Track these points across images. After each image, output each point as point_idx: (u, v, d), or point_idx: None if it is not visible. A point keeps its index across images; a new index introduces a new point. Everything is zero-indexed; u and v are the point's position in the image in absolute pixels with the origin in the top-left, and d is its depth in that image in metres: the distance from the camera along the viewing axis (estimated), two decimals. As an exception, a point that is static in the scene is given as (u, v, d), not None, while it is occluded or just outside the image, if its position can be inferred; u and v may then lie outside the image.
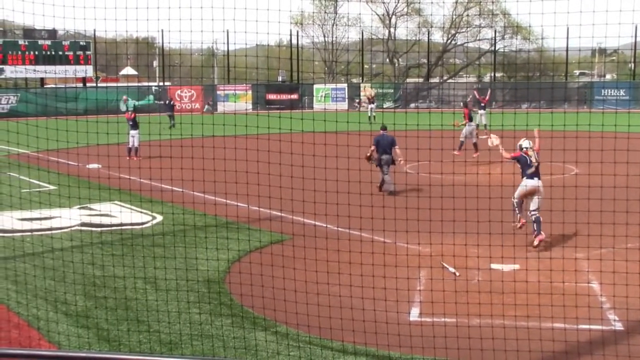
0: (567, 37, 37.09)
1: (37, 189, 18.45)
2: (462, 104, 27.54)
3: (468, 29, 71.16)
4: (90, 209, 16.13)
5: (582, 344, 8.38)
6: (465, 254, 10.81)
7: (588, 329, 8.72)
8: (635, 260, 10.42)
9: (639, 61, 55.84)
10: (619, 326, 9.10)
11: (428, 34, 65.27)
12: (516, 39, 70.32)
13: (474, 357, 7.85)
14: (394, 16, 73.19)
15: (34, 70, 47.94)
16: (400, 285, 9.56)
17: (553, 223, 12.96)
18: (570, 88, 53.68)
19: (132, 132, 24.89)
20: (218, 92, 52.91)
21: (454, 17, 70.39)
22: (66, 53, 49.64)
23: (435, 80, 66.79)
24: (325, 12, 70.52)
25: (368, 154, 17.76)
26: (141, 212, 15.74)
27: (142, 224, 14.79)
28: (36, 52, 48.43)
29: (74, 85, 50.67)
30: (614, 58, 78.81)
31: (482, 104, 35.39)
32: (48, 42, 48.90)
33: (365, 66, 67.06)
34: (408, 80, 68.75)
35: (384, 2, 70.29)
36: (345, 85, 58.71)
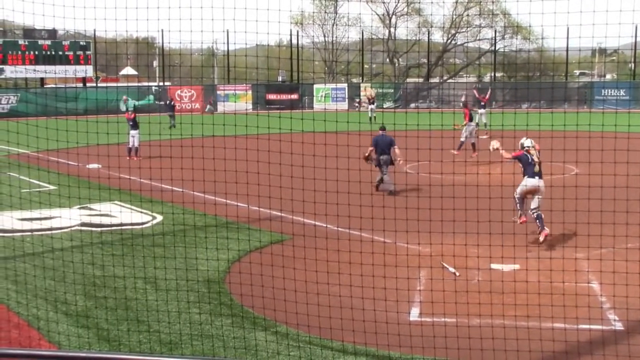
0: (567, 37, 37.10)
1: (37, 189, 18.45)
2: (461, 104, 27.54)
3: (468, 28, 71.21)
4: (90, 209, 16.13)
5: (582, 344, 8.38)
6: (465, 254, 10.81)
7: (588, 329, 8.72)
8: (635, 260, 10.42)
9: (639, 61, 55.85)
10: (619, 326, 9.10)
11: (428, 33, 65.32)
12: (516, 38, 70.36)
13: (474, 357, 7.84)
14: (394, 16, 73.27)
15: (34, 70, 47.95)
16: (400, 285, 9.56)
17: (553, 223, 12.98)
18: (571, 88, 53.69)
19: (132, 132, 24.89)
20: (218, 92, 52.92)
21: (454, 17, 70.43)
22: (66, 53, 49.65)
23: (436, 80, 66.80)
24: (325, 12, 70.55)
25: (366, 154, 17.77)
26: (141, 212, 15.75)
27: (142, 224, 14.79)
28: (36, 52, 48.44)
29: (74, 85, 50.66)
30: (614, 58, 78.83)
31: (482, 103, 35.38)
32: (48, 42, 48.91)
33: (365, 66, 67.08)
34: (408, 80, 68.76)
35: (384, 2, 70.34)
36: (346, 85, 58.72)
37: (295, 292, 9.04)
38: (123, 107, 26.91)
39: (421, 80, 67.23)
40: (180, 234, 13.27)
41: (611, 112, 34.72)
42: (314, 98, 54.86)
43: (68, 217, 14.32)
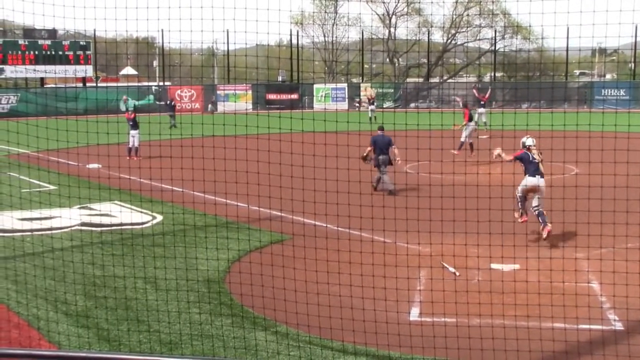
0: (567, 37, 37.11)
1: (37, 189, 18.45)
2: (461, 104, 27.52)
3: (468, 28, 71.21)
4: (91, 208, 16.13)
5: (582, 344, 8.38)
6: (465, 254, 10.81)
7: (588, 329, 8.72)
8: (636, 260, 10.42)
9: (639, 61, 55.85)
10: (619, 326, 9.10)
11: (428, 33, 65.32)
12: (516, 38, 70.36)
13: (474, 357, 7.85)
14: (394, 16, 73.28)
15: (34, 70, 47.95)
16: (400, 285, 9.56)
17: (553, 223, 12.98)
18: (571, 88, 53.72)
19: (132, 132, 24.90)
20: (218, 92, 52.93)
21: (454, 16, 70.45)
22: (66, 53, 49.65)
23: (435, 80, 66.81)
24: (325, 12, 70.56)
25: (364, 154, 17.77)
26: (141, 212, 15.75)
27: (142, 223, 14.79)
28: (36, 52, 48.44)
29: (74, 85, 50.66)
30: (614, 58, 78.83)
31: (482, 103, 35.37)
32: (48, 42, 48.91)
33: (365, 66, 67.09)
34: (408, 80, 68.76)
35: (384, 2, 70.35)
36: (345, 85, 58.73)
37: (295, 292, 9.04)
38: (123, 107, 26.91)
39: (421, 80, 67.23)
40: (180, 234, 13.27)
41: (611, 112, 34.73)
42: (314, 98, 54.87)
43: (68, 217, 14.33)
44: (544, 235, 12.66)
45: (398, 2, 71.87)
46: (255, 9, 9.17)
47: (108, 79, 65.83)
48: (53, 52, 48.86)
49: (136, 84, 56.66)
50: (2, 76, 49.31)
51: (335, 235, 12.50)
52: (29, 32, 48.79)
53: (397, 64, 74.33)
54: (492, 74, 62.22)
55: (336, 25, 71.91)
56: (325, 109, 46.44)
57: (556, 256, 10.46)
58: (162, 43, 46.72)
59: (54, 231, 13.70)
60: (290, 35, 57.03)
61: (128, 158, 23.72)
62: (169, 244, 12.84)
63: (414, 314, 9.55)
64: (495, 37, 64.37)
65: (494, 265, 11.13)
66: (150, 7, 9.25)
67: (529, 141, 13.36)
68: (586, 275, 10.95)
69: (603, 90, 51.15)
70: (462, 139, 24.44)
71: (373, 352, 8.17)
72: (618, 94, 50.61)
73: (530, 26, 63.26)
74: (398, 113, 39.87)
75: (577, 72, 75.43)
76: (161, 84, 55.65)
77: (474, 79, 69.12)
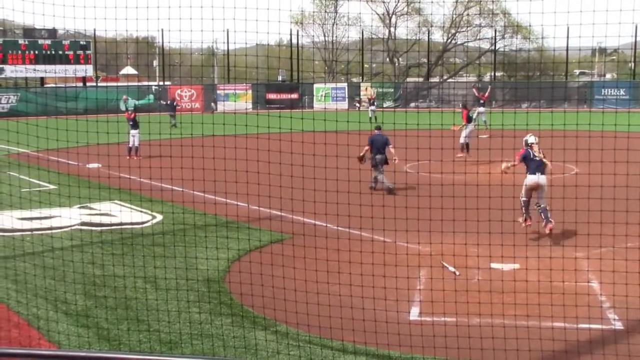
0: (567, 37, 37.06)
1: (37, 189, 18.45)
2: (460, 105, 27.46)
3: (468, 28, 71.16)
4: (90, 208, 16.13)
5: (582, 343, 8.38)
6: (465, 253, 10.81)
7: (588, 328, 8.72)
8: (635, 259, 10.42)
9: (639, 61, 55.83)
10: (618, 325, 9.10)
11: (428, 33, 65.28)
12: (516, 38, 70.32)
13: (473, 356, 7.85)
14: (394, 15, 73.22)
15: (34, 70, 47.92)
16: (400, 285, 9.56)
17: (551, 220, 12.98)
18: (571, 87, 53.68)
19: (132, 131, 24.90)
20: (218, 92, 52.91)
21: (454, 16, 70.40)
22: (66, 52, 49.63)
23: (435, 79, 66.78)
24: (325, 12, 70.52)
25: (361, 154, 17.79)
26: (141, 211, 15.75)
27: (142, 223, 14.79)
28: (36, 52, 48.42)
29: (74, 84, 50.64)
30: (614, 57, 78.80)
31: (482, 102, 35.35)
32: (48, 42, 48.89)
33: (365, 65, 67.07)
34: (408, 79, 68.73)
35: (384, 2, 70.29)
36: (345, 84, 58.71)
37: (295, 292, 9.04)
38: (123, 107, 26.93)
39: (421, 79, 67.21)
40: (180, 234, 13.27)
41: (611, 112, 34.71)
42: (314, 97, 54.85)
43: (68, 217, 14.33)
44: (546, 231, 12.69)
45: (398, 2, 71.87)
46: (255, 8, 9.18)
47: (108, 79, 65.82)
48: (53, 52, 48.85)
49: (136, 83, 56.64)
50: (2, 76, 49.29)
51: (335, 235, 12.51)
52: (29, 32, 48.77)
53: (397, 64, 74.30)
54: (492, 74, 62.21)
55: (336, 24, 71.92)
56: (325, 108, 46.41)
57: (556, 255, 10.45)
58: (162, 43, 46.73)
59: (53, 231, 13.70)
60: (290, 34, 57.06)
61: (128, 158, 23.72)
62: (168, 244, 12.84)
63: (414, 313, 9.56)
64: (495, 36, 64.36)
65: (493, 265, 11.13)
66: (150, 6, 9.25)
67: (531, 139, 13.40)
68: (586, 275, 10.95)
69: (603, 90, 51.13)
70: (462, 140, 24.36)
71: (373, 351, 8.17)
72: (618, 93, 50.60)
73: (530, 26, 63.37)
74: (398, 113, 39.87)
75: (577, 71, 75.38)
76: (161, 83, 55.64)
77: (474, 79, 69.09)
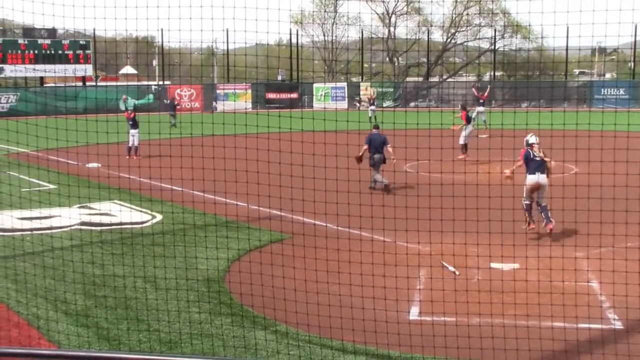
0: (567, 36, 37.06)
1: (37, 188, 18.44)
2: (460, 106, 27.40)
3: (468, 28, 71.18)
4: (90, 208, 16.13)
5: (582, 343, 8.38)
6: (465, 253, 10.81)
7: (587, 328, 8.72)
8: (635, 259, 10.42)
9: (639, 60, 55.82)
10: (618, 325, 9.11)
11: (428, 33, 65.30)
12: (516, 38, 70.33)
13: (473, 356, 7.85)
14: (393, 15, 73.23)
15: (34, 70, 47.90)
16: (400, 284, 9.56)
17: (552, 219, 12.98)
18: (570, 87, 53.69)
19: (132, 131, 24.90)
20: (218, 91, 52.91)
21: (454, 16, 70.39)
22: (66, 52, 49.63)
23: (435, 79, 66.78)
24: (325, 11, 70.54)
25: (360, 154, 17.78)
26: (141, 211, 15.75)
27: (142, 223, 14.79)
28: (36, 51, 48.41)
29: (73, 84, 50.63)
30: (613, 57, 78.80)
31: (481, 101, 35.32)
32: (48, 41, 48.87)
33: (365, 65, 67.08)
34: (408, 79, 68.74)
35: (383, 1, 70.31)
36: (345, 84, 58.70)
37: (295, 291, 9.05)
38: (122, 106, 26.93)
39: (421, 79, 67.21)
40: (180, 233, 13.27)
41: (611, 111, 34.70)
42: (314, 97, 54.85)
43: (68, 216, 14.33)
44: (546, 231, 12.71)
45: (397, 2, 71.91)
46: (254, 8, 9.17)
47: (108, 78, 65.82)
48: (53, 52, 48.84)
49: (136, 83, 56.63)
50: (2, 75, 49.28)
51: (335, 235, 12.51)
52: (28, 32, 48.76)
53: (396, 63, 74.29)
54: (492, 73, 62.21)
55: (336, 24, 71.96)
56: (324, 108, 46.39)
57: (556, 255, 10.45)
58: (162, 42, 46.76)
59: (53, 230, 13.70)
60: (290, 34, 57.06)
61: (128, 157, 23.72)
62: (168, 243, 12.85)
63: (414, 313, 9.56)
64: (494, 36, 64.36)
65: (493, 265, 11.14)
66: (149, 6, 9.24)
67: (532, 139, 13.42)
68: (586, 275, 10.95)
69: (602, 90, 51.15)
70: (462, 142, 24.23)
71: (372, 351, 8.17)
72: (617, 93, 50.62)
73: (529, 25, 63.37)
74: (398, 112, 39.87)
75: (577, 71, 75.38)
76: (161, 83, 55.63)
77: (474, 78, 69.08)
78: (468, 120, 25.13)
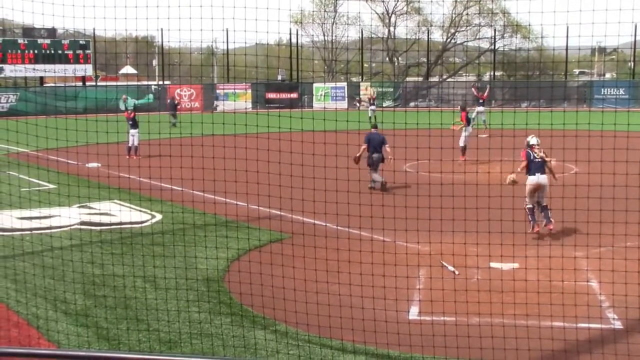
0: (567, 36, 37.07)
1: (37, 188, 18.44)
2: (459, 107, 27.34)
3: (468, 27, 71.15)
4: (90, 207, 16.13)
5: (581, 343, 8.39)
6: (465, 253, 10.82)
7: (587, 328, 8.73)
8: (635, 258, 10.43)
9: (639, 60, 55.82)
10: (618, 325, 9.11)
11: (428, 32, 65.29)
12: (516, 37, 70.30)
13: (473, 355, 7.85)
14: (393, 15, 73.22)
15: (34, 69, 47.89)
16: (399, 284, 9.57)
17: (552, 220, 12.98)
18: (570, 87, 53.68)
19: (132, 131, 24.91)
20: (218, 91, 52.90)
21: (454, 16, 70.36)
22: (66, 52, 49.61)
23: (435, 79, 66.78)
24: (324, 11, 70.52)
25: (358, 154, 17.77)
26: (141, 211, 15.75)
27: (142, 222, 14.79)
28: (36, 51, 48.40)
29: (73, 84, 50.62)
30: (613, 57, 78.76)
31: (481, 101, 35.29)
32: (47, 41, 48.86)
33: (365, 65, 67.04)
34: (408, 79, 68.73)
35: (383, 1, 70.30)
36: (345, 84, 58.69)
37: (295, 291, 9.05)
38: (122, 106, 26.93)
39: (421, 79, 67.20)
40: (180, 233, 13.27)
41: (610, 111, 34.69)
42: (314, 97, 54.84)
43: (67, 216, 14.33)
44: (547, 230, 12.72)
45: (397, 1, 71.90)
46: (254, 7, 9.16)
47: (108, 78, 65.80)
48: (52, 51, 48.82)
49: (136, 83, 56.61)
50: (2, 75, 49.26)
51: (335, 234, 12.51)
52: (28, 31, 48.75)
53: (396, 63, 74.27)
54: (492, 73, 62.20)
55: (336, 24, 71.94)
56: (324, 108, 46.39)
57: (555, 255, 10.46)
58: (162, 42, 46.74)
59: (53, 230, 13.71)
60: (290, 34, 57.06)
61: (127, 157, 23.72)
62: (168, 243, 12.85)
63: (413, 312, 9.56)
64: (494, 36, 64.36)
65: (493, 264, 11.14)
66: (149, 6, 9.24)
67: (533, 140, 13.44)
68: (585, 274, 10.96)
69: (602, 90, 51.15)
70: (462, 144, 24.15)
71: (372, 350, 8.17)
72: (617, 93, 50.62)
73: (529, 25, 63.35)
74: (397, 112, 39.87)
75: (577, 71, 75.36)
76: (161, 83, 55.62)
77: (474, 78, 69.07)
78: (468, 121, 25.09)
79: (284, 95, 53.69)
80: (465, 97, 43.90)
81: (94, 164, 21.21)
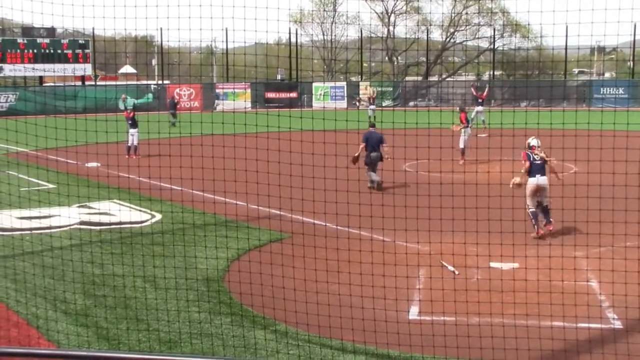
0: (566, 35, 37.02)
1: (37, 188, 18.44)
2: (458, 108, 27.28)
3: (467, 27, 71.16)
4: (90, 207, 16.13)
5: (581, 343, 8.39)
6: (465, 253, 10.82)
7: (587, 328, 8.73)
8: (634, 258, 10.43)
9: (638, 59, 55.83)
10: (617, 324, 9.11)
11: (427, 32, 65.31)
12: (515, 37, 70.25)
13: (473, 355, 7.85)
14: (393, 14, 73.18)
15: (33, 69, 47.86)
16: (399, 284, 9.57)
17: (552, 220, 12.98)
18: (569, 86, 53.69)
19: (132, 130, 24.90)
20: (217, 91, 52.89)
21: (453, 15, 70.35)
22: (65, 51, 49.58)
23: (434, 78, 66.78)
24: (324, 10, 70.50)
25: (356, 154, 17.75)
26: (140, 210, 15.74)
27: (142, 222, 14.79)
28: (35, 51, 48.36)
29: (72, 83, 50.59)
30: (612, 56, 78.74)
31: (480, 101, 35.26)
32: (47, 41, 48.83)
33: (365, 64, 67.05)
34: (407, 78, 68.70)
35: (382, 0, 70.29)
36: (345, 83, 58.66)
37: (295, 291, 9.05)
38: (122, 106, 26.92)
39: (420, 78, 67.19)
40: (180, 233, 13.27)
41: (610, 111, 34.71)
42: (313, 96, 54.81)
43: (67, 216, 14.32)
44: (546, 230, 12.71)
45: (397, 1, 71.88)
46: (254, 7, 9.16)
47: (107, 78, 65.76)
48: (52, 51, 48.79)
49: (135, 82, 56.56)
50: (1, 75, 49.23)
51: (335, 234, 12.51)
52: (27, 31, 48.71)
53: (396, 63, 74.24)
54: (491, 73, 62.18)
55: (335, 23, 71.91)
56: (324, 107, 46.39)
57: (555, 255, 10.46)
58: (161, 41, 46.69)
59: (53, 230, 13.70)
60: (289, 33, 57.02)
61: (127, 157, 23.71)
62: (168, 243, 12.84)
63: (413, 312, 9.56)
64: (494, 35, 64.35)
65: (493, 264, 11.14)
66: (149, 5, 9.24)
67: (533, 142, 13.44)
68: (585, 274, 10.96)
69: (602, 89, 51.16)
70: (462, 146, 24.08)
71: (372, 350, 8.17)
72: (617, 92, 50.61)
73: (529, 24, 63.31)
74: (397, 111, 39.88)
75: (576, 70, 75.38)
76: (160, 82, 55.59)
77: (473, 77, 69.07)
78: (467, 122, 25.07)
79: (283, 95, 53.66)
80: (465, 96, 43.90)
81: (94, 164, 21.19)
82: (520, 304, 9.36)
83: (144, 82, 56.92)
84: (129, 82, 57.44)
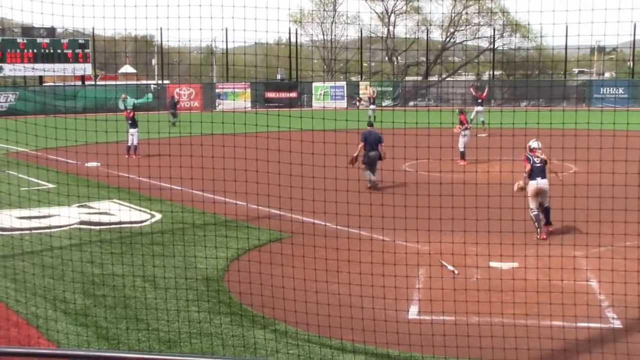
0: (566, 35, 37.01)
1: (36, 187, 18.44)
2: (458, 110, 27.22)
3: (467, 27, 71.16)
4: (89, 207, 16.13)
5: (581, 342, 8.39)
6: (464, 252, 10.82)
7: (587, 327, 8.73)
8: (634, 258, 10.43)
9: (638, 59, 55.83)
10: (617, 324, 9.12)
11: (427, 32, 65.31)
12: (515, 37, 70.25)
13: (472, 355, 7.86)
14: (392, 14, 73.20)
15: (33, 69, 47.85)
16: (399, 284, 9.58)
17: (552, 221, 12.98)
18: (569, 86, 53.69)
19: (131, 130, 24.91)
20: (217, 90, 52.88)
21: (453, 15, 70.36)
22: (65, 51, 49.58)
23: (434, 78, 66.78)
24: (324, 10, 70.50)
25: (355, 155, 17.73)
26: (140, 210, 15.75)
27: (141, 222, 14.79)
28: (35, 51, 48.37)
29: (72, 83, 50.59)
30: (612, 56, 78.75)
31: (480, 101, 35.24)
32: (47, 40, 48.83)
33: (364, 64, 67.05)
34: (407, 78, 68.71)
35: (382, 0, 70.30)
36: (344, 83, 58.67)
37: (294, 291, 9.05)
38: (122, 105, 26.93)
39: (420, 78, 67.19)
40: (179, 233, 13.27)
41: (610, 111, 34.71)
42: (313, 96, 54.82)
43: (67, 216, 14.33)
44: (546, 231, 12.72)
45: (397, 1, 71.89)
46: (254, 7, 9.16)
47: (107, 77, 65.75)
48: (52, 51, 48.78)
49: (135, 82, 56.56)
50: (1, 74, 49.23)
51: (334, 234, 12.51)
52: (27, 31, 48.71)
53: (396, 62, 74.24)
54: (491, 72, 62.18)
55: (335, 23, 71.92)
56: (324, 107, 46.38)
57: (555, 254, 10.46)
58: (161, 41, 46.68)
59: (53, 230, 13.70)
60: (289, 33, 57.01)
61: (127, 156, 23.72)
62: (168, 243, 12.85)
63: (413, 312, 9.57)
64: (494, 35, 64.35)
65: (492, 264, 11.14)
66: (149, 5, 9.24)
67: (534, 144, 13.45)
68: (585, 274, 10.96)
69: (602, 89, 51.17)
70: (461, 149, 24.03)
71: (372, 350, 8.18)
72: (617, 92, 50.62)
73: (529, 24, 63.33)
74: (397, 111, 39.88)
75: (576, 70, 75.37)
76: (160, 82, 55.60)
77: (473, 77, 69.07)
78: (468, 123, 25.06)
79: (283, 95, 53.66)
80: (465, 96, 43.89)
81: (94, 164, 21.19)
82: (520, 304, 9.36)
83: (144, 82, 56.93)
84: (128, 82, 57.42)
